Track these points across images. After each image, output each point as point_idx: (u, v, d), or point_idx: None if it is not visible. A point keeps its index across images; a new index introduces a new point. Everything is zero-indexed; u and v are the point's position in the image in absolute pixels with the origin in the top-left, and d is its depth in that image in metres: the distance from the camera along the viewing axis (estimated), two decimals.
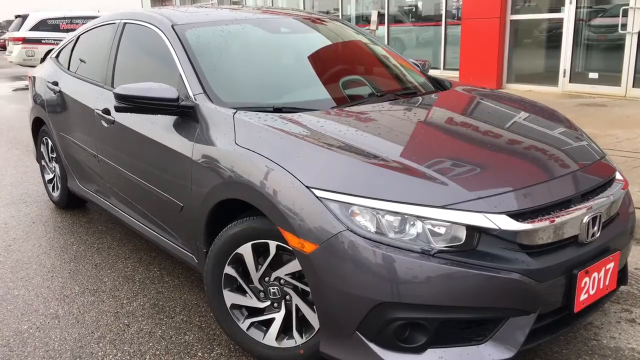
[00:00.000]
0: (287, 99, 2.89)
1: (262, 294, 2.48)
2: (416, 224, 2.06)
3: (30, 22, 15.36)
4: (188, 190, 2.74)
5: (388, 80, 3.41)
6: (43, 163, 4.80)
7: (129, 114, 3.00)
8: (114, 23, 3.75)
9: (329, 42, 3.60)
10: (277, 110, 2.73)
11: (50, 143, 4.52)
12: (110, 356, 2.62)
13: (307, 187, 2.16)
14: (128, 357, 2.61)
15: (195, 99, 2.81)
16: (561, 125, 2.87)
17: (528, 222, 2.09)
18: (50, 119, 4.32)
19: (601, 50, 8.78)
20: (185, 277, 3.38)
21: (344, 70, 3.32)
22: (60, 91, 4.12)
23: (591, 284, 2.27)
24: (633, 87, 8.13)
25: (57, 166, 4.49)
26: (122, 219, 3.58)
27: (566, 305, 2.22)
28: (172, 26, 3.18)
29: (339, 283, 2.09)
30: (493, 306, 2.07)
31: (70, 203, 4.53)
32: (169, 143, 2.87)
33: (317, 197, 2.13)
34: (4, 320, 2.96)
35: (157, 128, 2.98)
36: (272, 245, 2.36)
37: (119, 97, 2.77)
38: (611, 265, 2.35)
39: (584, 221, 2.22)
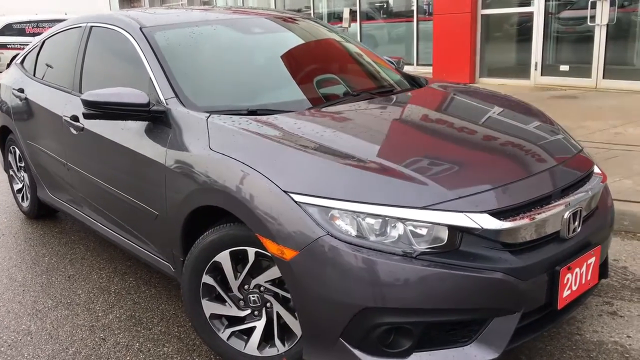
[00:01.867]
0: (261, 101, 2.82)
1: (242, 302, 2.42)
2: (397, 226, 2.02)
3: None
4: (162, 198, 2.66)
5: (363, 78, 3.37)
6: (11, 172, 4.66)
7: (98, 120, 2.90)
8: (80, 26, 3.64)
9: (302, 42, 3.54)
10: (252, 112, 2.67)
11: (18, 152, 4.38)
12: None
13: (284, 191, 2.11)
14: None
15: (166, 104, 2.73)
16: (537, 120, 2.87)
17: (510, 220, 2.06)
18: (17, 127, 4.18)
19: (571, 42, 8.87)
20: (162, 286, 3.30)
21: (319, 70, 3.27)
22: (26, 98, 3.99)
23: (573, 280, 2.26)
24: (603, 78, 8.22)
25: (26, 175, 4.36)
26: (95, 229, 3.48)
27: (549, 302, 2.20)
28: (141, 29, 3.09)
29: (321, 289, 2.04)
30: (478, 307, 2.05)
31: (40, 213, 4.41)
32: (141, 150, 2.79)
33: (295, 201, 2.07)
34: None
35: (129, 134, 2.89)
36: (251, 252, 2.30)
37: (87, 103, 2.68)
38: (592, 260, 2.34)
39: (565, 217, 2.21)
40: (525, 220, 2.09)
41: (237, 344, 2.44)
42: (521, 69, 9.35)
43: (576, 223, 2.26)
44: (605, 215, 2.52)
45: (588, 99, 7.64)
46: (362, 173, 2.13)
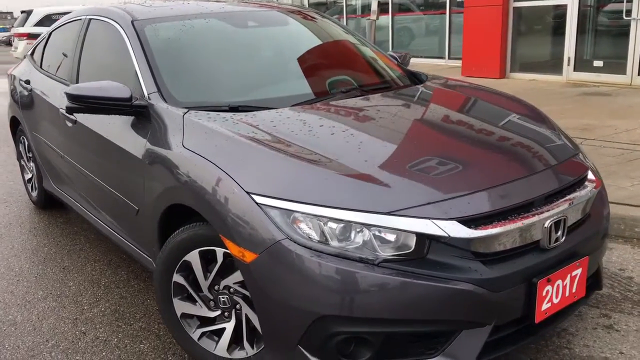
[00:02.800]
0: (245, 97, 2.77)
1: (212, 303, 2.37)
2: (362, 231, 1.93)
3: (35, 17, 15.37)
4: (142, 194, 2.64)
5: (358, 74, 3.26)
6: (22, 162, 4.74)
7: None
8: (80, 19, 3.65)
9: (296, 36, 3.47)
10: (234, 109, 2.61)
11: (26, 142, 4.45)
12: None
13: (247, 192, 2.04)
14: None
15: (149, 99, 2.70)
16: (531, 120, 2.72)
17: (481, 229, 1.95)
18: (24, 117, 4.24)
19: (606, 37, 8.51)
20: (151, 280, 3.28)
21: (310, 66, 3.18)
22: (31, 90, 4.03)
23: (555, 292, 2.13)
24: (639, 75, 7.86)
25: (33, 166, 4.42)
26: (90, 221, 3.50)
27: (526, 315, 2.09)
28: (132, 22, 3.07)
29: (279, 295, 1.97)
30: (443, 319, 1.95)
31: (48, 203, 4.46)
32: (124, 144, 2.77)
33: (256, 203, 2.01)
34: None
35: (115, 128, 2.88)
36: (219, 252, 2.25)
37: (70, 97, 2.67)
38: (578, 271, 2.20)
39: (546, 226, 2.08)
40: (499, 229, 1.97)
41: (207, 344, 2.40)
42: (553, 64, 9.02)
43: (559, 233, 2.13)
44: (598, 224, 2.37)
45: (620, 96, 7.32)
46: (328, 175, 2.05)
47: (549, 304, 2.12)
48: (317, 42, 3.51)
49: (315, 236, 1.94)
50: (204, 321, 2.41)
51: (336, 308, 1.90)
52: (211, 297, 2.36)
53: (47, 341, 2.73)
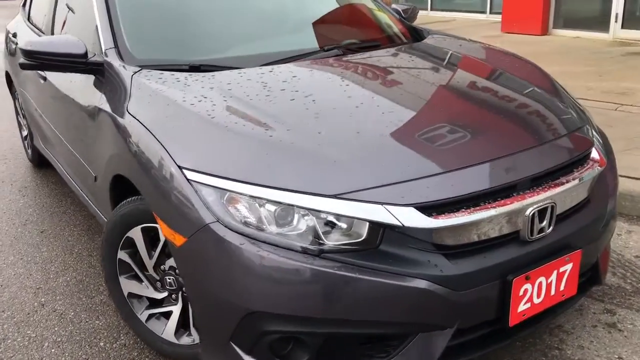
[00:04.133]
0: (209, 55, 2.48)
1: (159, 284, 2.17)
2: (304, 216, 1.67)
3: None
4: (96, 160, 2.43)
5: (345, 30, 2.92)
6: (19, 119, 4.61)
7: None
8: None
9: None
10: (194, 68, 2.34)
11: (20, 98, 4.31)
12: (9, 340, 2.40)
13: (179, 166, 1.79)
14: (27, 342, 2.39)
15: (106, 55, 2.45)
16: (529, 84, 2.35)
17: (442, 218, 1.66)
18: (13, 72, 4.08)
19: None
20: None
21: (291, 21, 2.86)
22: (17, 43, 3.85)
23: (536, 291, 1.83)
24: None
25: (26, 123, 4.28)
26: (67, 183, 3.34)
27: (500, 317, 1.80)
28: None
29: (209, 285, 1.74)
30: (394, 320, 1.68)
31: (42, 161, 4.33)
32: (82, 105, 2.56)
33: (187, 179, 1.76)
34: None
35: (76, 87, 2.66)
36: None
37: (24, 52, 2.44)
38: (568, 267, 1.89)
39: (527, 214, 1.76)
40: (464, 218, 1.67)
41: (155, 326, 2.21)
42: (600, 21, 8.32)
43: (544, 223, 1.81)
44: (598, 210, 2.03)
45: None
46: (270, 149, 1.77)
47: (528, 305, 1.82)
48: None
49: (252, 220, 1.68)
50: (153, 302, 2.22)
51: (267, 304, 1.65)
52: (157, 278, 2.16)
53: (3, 312, 2.60)
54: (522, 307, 1.81)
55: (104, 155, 2.30)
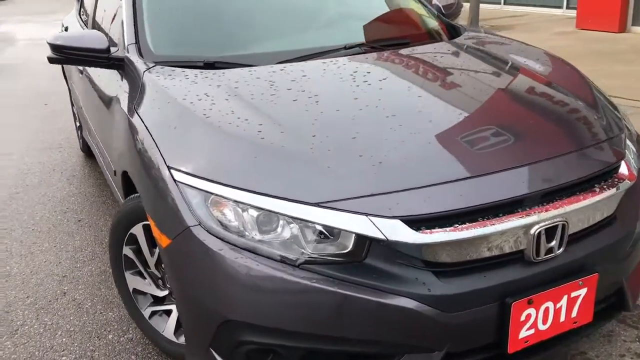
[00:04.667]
0: (226, 52, 2.45)
1: (160, 281, 2.16)
2: (290, 223, 1.60)
3: None
4: (114, 154, 2.46)
5: (371, 28, 2.79)
6: (73, 109, 4.78)
7: None
8: None
9: None
10: (209, 65, 2.31)
11: None
12: (27, 327, 2.48)
13: (168, 166, 1.77)
14: (42, 330, 2.45)
15: (127, 51, 2.47)
16: (561, 90, 2.16)
17: (431, 233, 1.54)
18: (65, 66, 4.23)
19: None
20: None
21: (314, 18, 2.77)
22: None
23: (541, 317, 1.67)
24: None
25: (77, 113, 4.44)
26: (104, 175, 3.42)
27: (499, 342, 1.66)
28: None
29: (190, 289, 1.71)
30: (376, 339, 1.58)
31: (91, 151, 4.47)
32: (105, 99, 2.60)
33: (174, 180, 1.73)
34: None
35: (101, 81, 2.72)
36: None
37: (51, 47, 2.51)
38: (581, 292, 1.71)
39: (531, 233, 1.61)
40: (456, 235, 1.54)
41: (158, 324, 2.21)
42: None
43: (553, 242, 1.65)
44: (624, 229, 1.83)
45: None
46: (259, 152, 1.71)
47: (532, 331, 1.67)
48: None
49: (235, 225, 1.63)
50: (156, 299, 2.22)
51: (243, 314, 1.60)
52: (159, 275, 2.16)
53: (28, 297, 2.70)
54: (524, 333, 1.66)
55: (117, 151, 2.32)
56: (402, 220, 1.54)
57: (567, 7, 10.68)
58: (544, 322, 1.69)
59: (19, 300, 2.67)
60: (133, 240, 2.16)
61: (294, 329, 1.58)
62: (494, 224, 1.57)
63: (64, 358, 2.27)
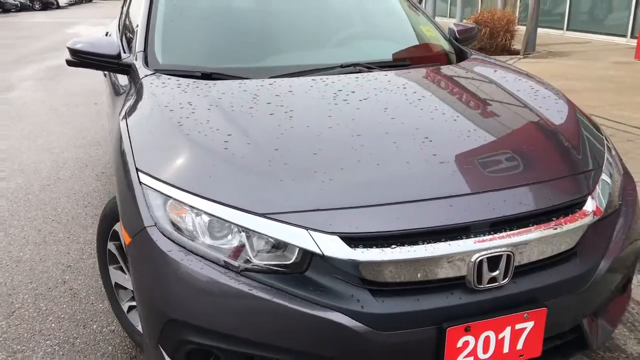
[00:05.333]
0: (225, 64, 2.55)
1: None
2: (240, 231, 1.66)
3: None
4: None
5: (372, 47, 2.83)
6: None
7: None
8: None
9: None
10: (206, 76, 2.43)
11: None
12: (23, 309, 2.65)
13: (136, 168, 1.87)
14: (35, 314, 2.61)
15: (135, 58, 2.62)
16: (539, 120, 2.14)
17: (367, 251, 1.57)
18: None
19: None
20: None
21: (317, 35, 2.83)
22: None
23: (481, 346, 1.66)
24: None
25: None
26: None
27: None
28: None
29: (143, 287, 1.79)
30: (309, 351, 1.62)
31: None
32: (113, 103, 2.75)
33: (140, 182, 1.83)
34: None
35: (114, 84, 2.88)
36: None
37: (70, 51, 2.69)
38: (527, 325, 1.69)
39: (472, 260, 1.61)
40: (389, 255, 1.56)
41: (134, 318, 2.31)
42: None
43: (496, 272, 1.64)
44: (585, 266, 1.79)
45: None
46: (220, 161, 1.79)
47: (471, 358, 1.66)
48: (350, 8, 3.12)
49: (188, 229, 1.71)
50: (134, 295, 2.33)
51: (185, 314, 1.67)
52: None
53: (31, 283, 2.87)
54: None
55: (114, 153, 2.45)
56: (341, 237, 1.57)
57: (632, 36, 10.35)
58: (485, 351, 1.67)
59: (23, 285, 2.85)
60: (116, 236, 2.28)
61: (232, 333, 1.63)
62: (431, 248, 1.59)
63: (47, 342, 2.41)
